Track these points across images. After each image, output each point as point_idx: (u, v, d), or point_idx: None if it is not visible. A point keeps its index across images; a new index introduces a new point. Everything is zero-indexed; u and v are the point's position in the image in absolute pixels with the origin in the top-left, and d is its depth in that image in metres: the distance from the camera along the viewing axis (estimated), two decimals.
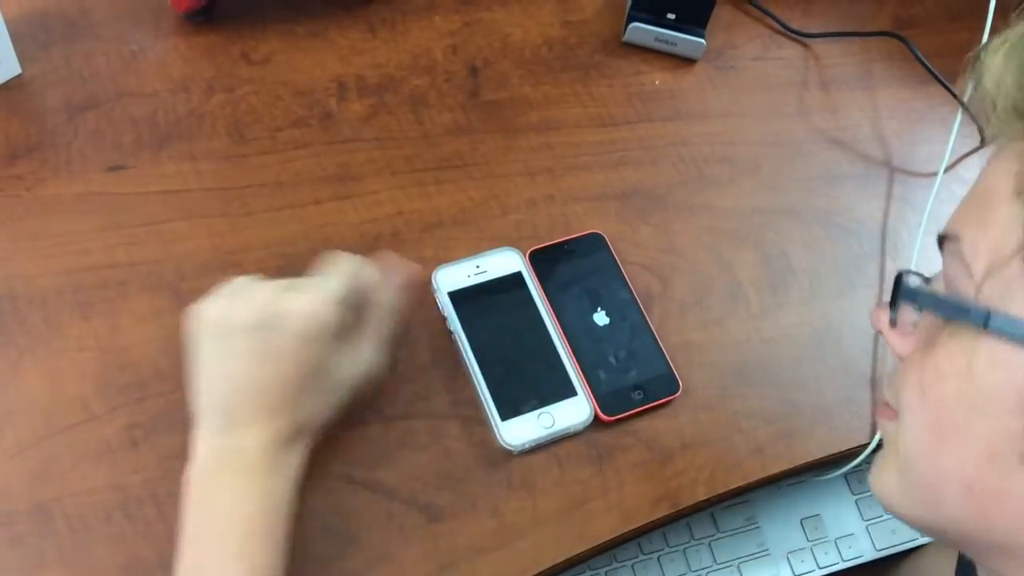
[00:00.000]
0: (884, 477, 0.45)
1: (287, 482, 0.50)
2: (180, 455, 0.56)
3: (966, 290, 0.39)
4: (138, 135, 0.67)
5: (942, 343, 0.40)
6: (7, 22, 0.66)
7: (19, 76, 0.69)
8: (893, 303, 0.44)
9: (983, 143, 0.79)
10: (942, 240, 0.42)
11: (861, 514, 0.75)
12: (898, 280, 0.44)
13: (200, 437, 0.51)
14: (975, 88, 0.40)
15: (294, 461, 0.51)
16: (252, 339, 0.50)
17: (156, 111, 0.69)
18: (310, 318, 0.50)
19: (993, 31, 0.75)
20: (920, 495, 0.42)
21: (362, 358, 0.53)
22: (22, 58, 0.68)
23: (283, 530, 0.49)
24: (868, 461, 0.65)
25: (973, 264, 0.38)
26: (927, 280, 0.44)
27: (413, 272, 0.58)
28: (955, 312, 0.39)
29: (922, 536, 0.75)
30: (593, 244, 0.67)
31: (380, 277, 0.55)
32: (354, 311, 0.53)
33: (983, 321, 0.37)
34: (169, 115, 0.69)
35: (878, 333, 0.46)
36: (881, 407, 0.46)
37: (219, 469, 0.50)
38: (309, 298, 0.50)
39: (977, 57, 0.40)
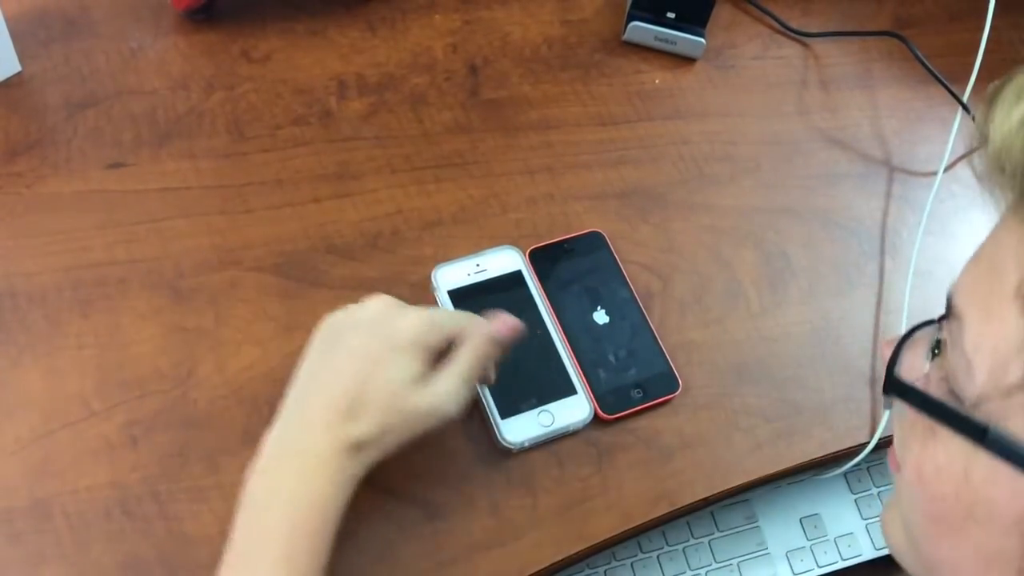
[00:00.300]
0: (892, 527, 0.43)
1: (341, 491, 0.49)
2: (179, 452, 0.56)
3: (965, 390, 0.37)
4: (138, 133, 0.67)
5: (942, 436, 0.38)
6: (7, 20, 0.66)
7: (19, 74, 0.69)
8: (886, 389, 0.41)
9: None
10: (948, 307, 0.39)
11: (860, 513, 0.75)
12: (893, 361, 0.40)
13: (271, 431, 0.51)
14: (980, 134, 0.37)
15: (352, 473, 0.50)
16: (357, 335, 0.52)
17: (156, 109, 0.69)
18: (413, 331, 0.52)
19: (993, 31, 0.75)
20: (922, 565, 0.42)
21: (440, 390, 0.52)
22: (22, 56, 0.68)
23: (329, 539, 0.49)
24: (868, 460, 0.65)
25: (974, 364, 0.36)
26: (940, 323, 0.41)
27: (514, 325, 0.56)
28: (951, 421, 0.37)
29: None
30: (593, 243, 0.67)
31: (479, 322, 0.55)
32: (447, 344, 0.54)
33: (980, 436, 0.35)
34: (169, 113, 0.69)
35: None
36: (892, 454, 0.44)
37: (278, 466, 0.50)
38: (417, 314, 0.53)
39: (991, 101, 0.37)
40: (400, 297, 0.55)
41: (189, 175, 0.66)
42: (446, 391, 0.52)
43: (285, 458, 0.50)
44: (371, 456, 0.51)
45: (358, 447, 0.50)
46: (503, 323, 0.55)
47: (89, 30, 0.72)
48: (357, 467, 0.50)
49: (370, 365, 0.51)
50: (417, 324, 0.52)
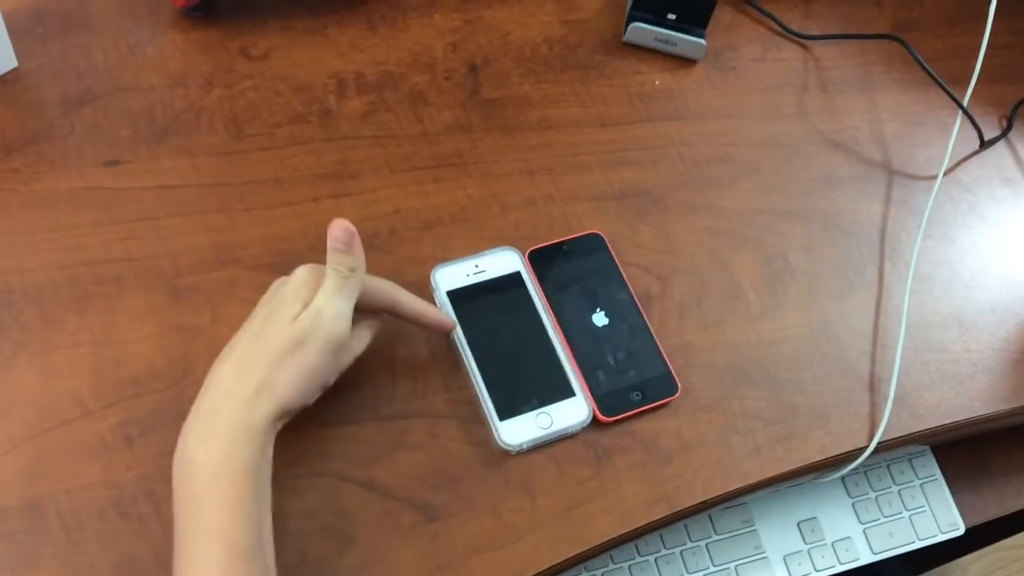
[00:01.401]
0: None
1: (246, 447, 0.49)
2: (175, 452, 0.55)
3: None
4: (135, 130, 0.67)
5: None
6: (4, 15, 0.66)
7: (15, 69, 0.68)
8: None
9: (982, 146, 0.79)
10: None
11: (858, 517, 0.75)
12: None
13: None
14: None
15: (254, 424, 0.50)
16: (258, 309, 0.54)
17: (153, 106, 0.68)
18: (297, 282, 0.54)
19: (993, 34, 0.75)
20: None
21: (311, 309, 0.52)
22: (19, 51, 0.68)
23: (248, 499, 0.48)
24: (866, 464, 0.65)
25: None
26: None
27: (342, 225, 0.54)
28: None
29: (918, 540, 0.76)
30: (592, 244, 0.67)
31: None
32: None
33: None
34: (167, 110, 0.68)
35: None
36: None
37: (184, 442, 0.50)
38: (304, 267, 0.55)
39: None
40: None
41: (187, 173, 0.66)
42: (315, 310, 0.52)
43: (189, 432, 0.50)
44: (274, 402, 0.50)
45: (255, 396, 0.50)
46: (331, 226, 0.54)
47: (86, 26, 0.71)
48: (260, 418, 0.50)
49: (260, 324, 0.53)
50: (301, 275, 0.54)
